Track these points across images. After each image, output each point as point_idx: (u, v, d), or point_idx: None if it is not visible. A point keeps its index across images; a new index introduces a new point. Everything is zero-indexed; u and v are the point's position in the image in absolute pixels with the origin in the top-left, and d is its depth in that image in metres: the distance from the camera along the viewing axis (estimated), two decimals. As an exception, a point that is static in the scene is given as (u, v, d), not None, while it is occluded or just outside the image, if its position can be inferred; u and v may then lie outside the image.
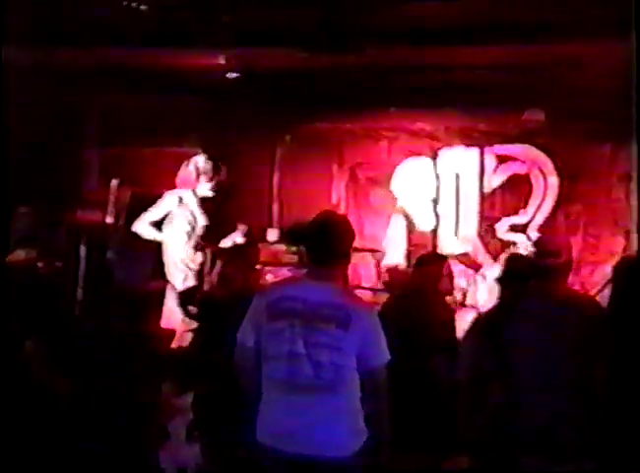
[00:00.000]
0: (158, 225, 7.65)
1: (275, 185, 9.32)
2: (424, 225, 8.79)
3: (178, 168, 7.90)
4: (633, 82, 3.76)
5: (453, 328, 5.27)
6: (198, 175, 7.77)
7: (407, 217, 8.86)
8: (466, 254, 8.57)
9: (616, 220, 8.55)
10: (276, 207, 9.29)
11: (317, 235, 3.55)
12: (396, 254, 8.76)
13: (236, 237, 7.81)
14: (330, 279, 3.51)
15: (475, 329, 4.53)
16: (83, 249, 7.26)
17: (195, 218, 7.67)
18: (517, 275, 4.52)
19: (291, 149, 9.23)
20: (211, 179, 7.77)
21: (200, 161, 7.81)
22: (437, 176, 8.85)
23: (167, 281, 7.48)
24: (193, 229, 7.63)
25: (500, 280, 4.85)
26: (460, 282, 7.98)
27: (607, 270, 7.80)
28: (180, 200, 7.67)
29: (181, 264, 7.53)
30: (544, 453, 3.75)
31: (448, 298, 5.71)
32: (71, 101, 8.00)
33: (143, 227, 7.58)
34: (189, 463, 4.80)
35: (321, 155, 9.21)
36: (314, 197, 8.86)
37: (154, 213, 7.65)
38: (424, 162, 8.88)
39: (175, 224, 7.63)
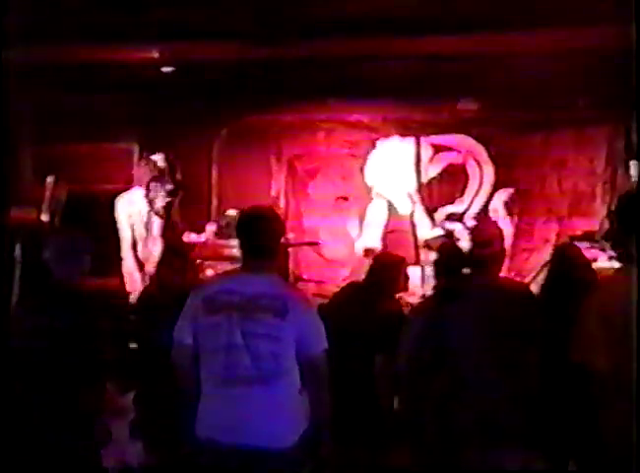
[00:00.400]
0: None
1: (213, 180, 9.21)
2: (402, 209, 8.82)
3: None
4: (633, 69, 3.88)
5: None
6: (156, 175, 7.48)
7: (386, 201, 8.87)
8: (437, 238, 8.50)
9: (550, 207, 8.68)
10: (214, 202, 9.16)
11: (246, 228, 3.57)
12: (373, 237, 8.74)
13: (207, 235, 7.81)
14: (264, 270, 3.50)
15: (413, 320, 4.43)
16: (18, 248, 7.08)
17: (149, 219, 7.39)
18: (448, 265, 4.47)
19: (229, 143, 9.10)
20: (168, 179, 7.52)
21: (158, 160, 7.54)
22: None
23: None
24: (147, 230, 7.36)
25: (434, 271, 4.76)
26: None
27: (541, 256, 7.95)
28: (131, 203, 7.37)
29: (137, 267, 7.15)
30: (486, 441, 3.74)
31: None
32: (4, 99, 7.80)
33: (130, 258, 7.13)
34: (133, 462, 4.71)
35: (259, 148, 9.12)
36: (253, 191, 8.78)
37: (126, 231, 7.20)
38: (395, 145, 8.88)
39: (130, 228, 7.33)
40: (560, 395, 3.94)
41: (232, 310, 3.38)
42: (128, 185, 7.70)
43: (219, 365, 3.39)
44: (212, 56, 7.25)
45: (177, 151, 8.16)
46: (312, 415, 3.43)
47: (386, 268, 5.19)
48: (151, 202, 7.37)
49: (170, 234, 7.46)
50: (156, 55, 7.19)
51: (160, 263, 5.16)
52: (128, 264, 7.14)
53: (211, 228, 8.42)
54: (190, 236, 7.74)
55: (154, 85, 8.07)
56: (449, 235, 7.48)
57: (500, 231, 4.17)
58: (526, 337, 3.83)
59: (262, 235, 3.53)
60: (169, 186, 7.50)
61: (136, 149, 8.49)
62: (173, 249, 5.25)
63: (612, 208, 7.70)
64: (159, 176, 7.48)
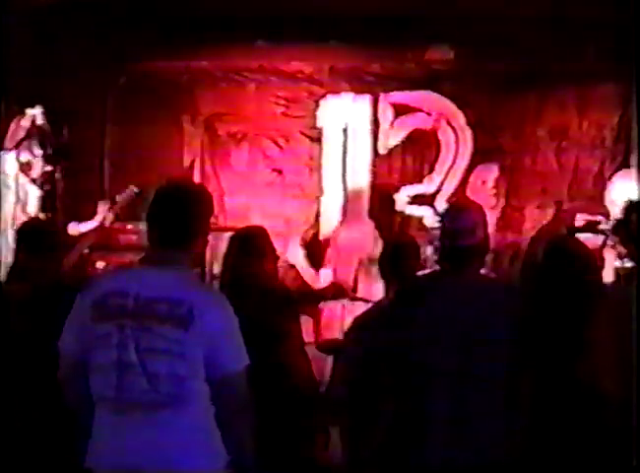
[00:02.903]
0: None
1: (107, 144, 9.10)
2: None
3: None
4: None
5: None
6: (33, 136, 7.65)
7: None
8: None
9: (545, 187, 8.61)
10: (108, 172, 9.06)
11: (161, 209, 3.54)
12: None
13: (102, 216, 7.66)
14: (171, 263, 3.46)
15: (357, 332, 4.67)
16: None
17: (24, 190, 7.56)
18: (396, 262, 4.75)
19: (128, 95, 8.98)
20: (48, 142, 7.67)
21: (37, 115, 7.67)
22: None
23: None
24: (23, 206, 7.50)
25: (379, 270, 4.94)
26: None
27: None
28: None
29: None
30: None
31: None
32: None
33: None
34: None
35: (168, 103, 8.98)
36: (160, 159, 8.76)
37: None
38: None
39: None
40: (560, 419, 4.07)
41: (125, 319, 3.35)
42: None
43: (109, 386, 3.36)
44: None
45: (58, 104, 8.24)
46: (230, 450, 3.41)
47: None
48: (23, 167, 7.50)
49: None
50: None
51: (20, 250, 5.17)
52: None
53: (104, 207, 8.14)
54: (77, 227, 7.62)
55: (30, 18, 7.91)
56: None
57: (484, 215, 4.09)
58: (515, 348, 3.81)
59: (177, 216, 3.50)
60: (49, 150, 7.65)
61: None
62: (37, 232, 5.29)
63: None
64: (35, 136, 7.61)
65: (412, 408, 3.89)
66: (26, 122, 7.56)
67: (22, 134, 7.60)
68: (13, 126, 7.63)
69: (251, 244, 5.44)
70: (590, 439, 3.99)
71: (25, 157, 7.50)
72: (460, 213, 4.12)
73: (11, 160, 7.46)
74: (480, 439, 3.79)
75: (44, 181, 7.59)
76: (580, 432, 4.03)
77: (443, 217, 4.13)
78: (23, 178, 7.48)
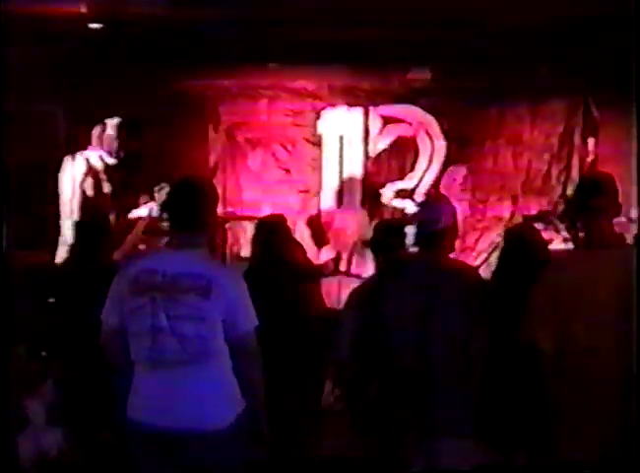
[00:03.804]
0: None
1: (146, 147, 8.59)
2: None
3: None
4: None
5: (312, 294, 5.48)
6: (110, 141, 7.55)
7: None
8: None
9: (503, 184, 8.76)
10: (148, 171, 8.59)
11: (175, 199, 3.60)
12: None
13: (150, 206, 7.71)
14: (190, 245, 3.52)
15: (353, 302, 4.59)
16: None
17: (100, 184, 7.45)
18: (383, 243, 4.62)
19: (163, 108, 8.80)
20: (118, 148, 7.59)
21: (112, 124, 7.59)
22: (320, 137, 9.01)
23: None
24: (97, 197, 7.39)
25: (371, 249, 4.90)
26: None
27: (493, 236, 8.30)
28: (89, 164, 7.37)
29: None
30: (422, 428, 3.86)
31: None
32: None
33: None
34: (51, 449, 4.74)
35: (196, 115, 9.03)
36: (189, 160, 8.76)
37: (68, 191, 7.21)
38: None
39: (78, 192, 7.34)
40: (511, 378, 4.04)
41: (155, 292, 3.43)
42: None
43: (145, 347, 3.44)
44: (144, 14, 7.08)
45: (107, 115, 7.95)
46: (246, 395, 3.49)
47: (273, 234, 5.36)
48: (105, 166, 7.38)
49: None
50: (83, 10, 6.99)
51: (81, 239, 5.12)
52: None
53: (143, 199, 8.17)
54: (134, 213, 7.68)
55: (80, 43, 7.89)
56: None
57: (451, 207, 4.17)
58: (469, 316, 3.88)
59: (187, 205, 3.54)
60: (121, 153, 7.55)
61: (60, 113, 8.40)
62: (95, 225, 5.24)
63: (568, 188, 8.32)
64: (113, 142, 7.49)
65: (392, 365, 3.95)
66: (111, 130, 7.49)
67: (101, 139, 7.50)
68: (96, 132, 7.53)
69: (276, 229, 5.44)
70: (528, 390, 3.92)
71: (107, 158, 7.45)
72: (427, 206, 4.25)
73: (94, 158, 7.35)
74: (439, 390, 3.86)
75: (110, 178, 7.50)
76: (521, 384, 4.00)
77: (417, 210, 4.24)
78: (102, 175, 7.41)
